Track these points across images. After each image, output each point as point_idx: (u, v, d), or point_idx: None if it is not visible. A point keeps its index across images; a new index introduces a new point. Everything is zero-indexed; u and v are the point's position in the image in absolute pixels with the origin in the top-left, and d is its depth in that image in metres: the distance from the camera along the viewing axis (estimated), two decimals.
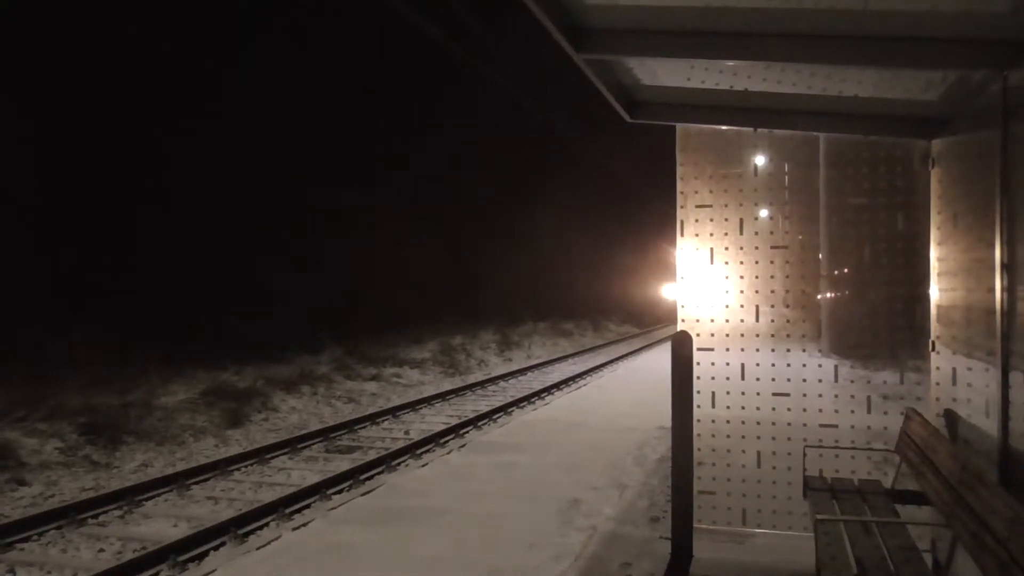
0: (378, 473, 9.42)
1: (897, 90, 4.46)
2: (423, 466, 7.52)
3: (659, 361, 18.49)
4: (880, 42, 3.85)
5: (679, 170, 5.21)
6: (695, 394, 4.73)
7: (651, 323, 45.18)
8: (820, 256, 5.09)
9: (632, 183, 48.84)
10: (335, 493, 8.49)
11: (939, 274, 4.34)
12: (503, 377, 19.22)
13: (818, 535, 3.28)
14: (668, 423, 4.72)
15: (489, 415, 13.24)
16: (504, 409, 13.87)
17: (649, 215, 45.71)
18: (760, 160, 5.38)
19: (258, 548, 5.06)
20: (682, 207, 5.17)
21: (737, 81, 4.67)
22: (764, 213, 5.37)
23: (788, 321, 5.02)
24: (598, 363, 21.98)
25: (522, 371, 20.60)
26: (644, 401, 11.48)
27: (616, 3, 3.86)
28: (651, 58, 4.39)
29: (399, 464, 9.94)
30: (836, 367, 4.79)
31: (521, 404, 14.64)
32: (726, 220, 5.18)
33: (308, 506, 8.12)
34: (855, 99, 4.59)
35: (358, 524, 5.55)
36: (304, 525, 5.53)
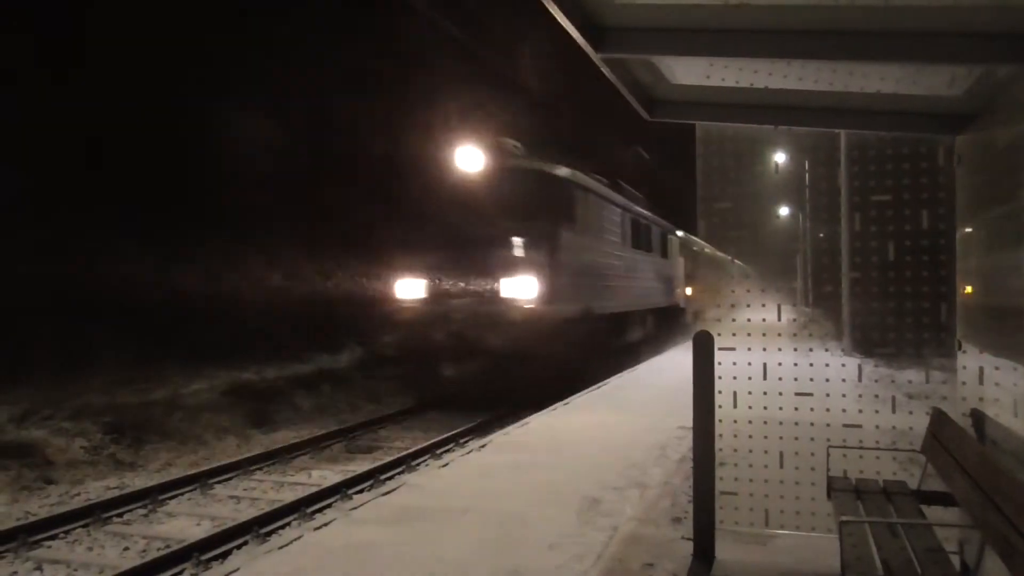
0: (399, 473, 9.45)
1: (921, 86, 4.40)
2: (443, 466, 7.53)
3: (679, 362, 18.40)
4: (903, 37, 3.80)
5: (699, 168, 5.17)
6: (716, 394, 4.70)
7: None
8: (842, 254, 5.04)
9: None
10: (356, 493, 8.54)
11: (965, 272, 4.28)
12: None
13: (843, 536, 3.25)
14: (689, 423, 4.69)
15: (509, 414, 13.22)
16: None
17: None
18: (780, 158, 5.34)
19: (280, 547, 5.09)
20: (703, 206, 5.14)
21: (757, 79, 4.63)
22: (785, 211, 5.33)
23: (810, 320, 4.97)
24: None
25: None
26: (665, 401, 11.43)
27: (634, 1, 3.84)
28: (670, 56, 4.38)
29: (419, 464, 9.97)
30: (860, 366, 4.74)
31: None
32: (746, 218, 5.14)
33: (329, 505, 8.17)
34: (877, 95, 4.54)
35: (379, 524, 5.57)
36: (326, 525, 5.56)
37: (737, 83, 4.70)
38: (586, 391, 12.84)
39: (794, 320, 4.92)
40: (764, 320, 4.94)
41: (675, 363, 16.91)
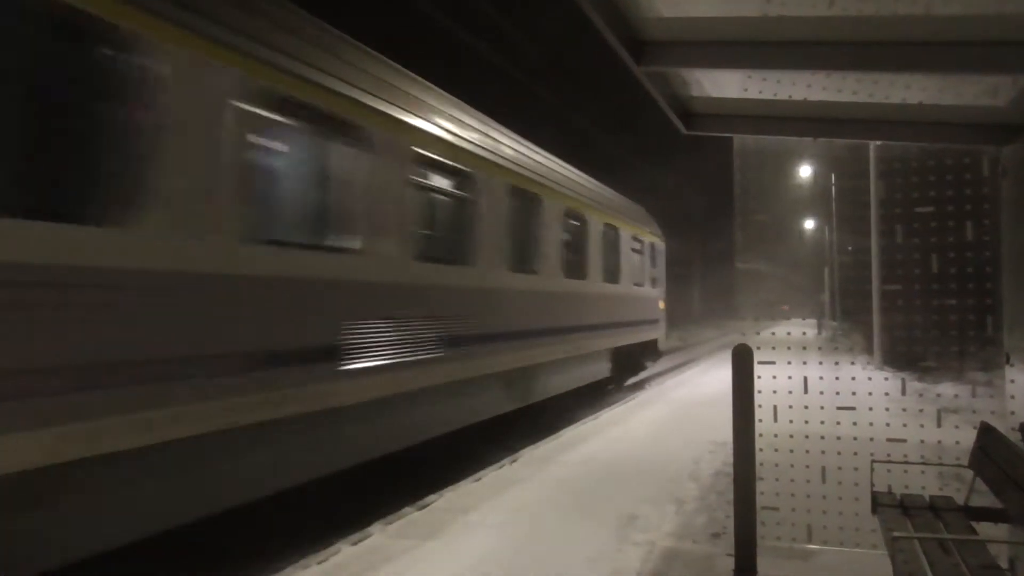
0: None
1: (964, 96, 4.37)
2: (476, 481, 7.52)
3: (706, 375, 18.25)
4: (944, 47, 3.79)
5: (736, 180, 5.16)
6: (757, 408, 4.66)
7: None
8: (872, 268, 4.98)
9: None
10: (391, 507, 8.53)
11: (1014, 285, 4.22)
12: None
13: (894, 553, 3.20)
14: (720, 438, 4.66)
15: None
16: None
17: None
18: (805, 172, 5.31)
19: (319, 563, 5.11)
20: (740, 219, 5.12)
21: (796, 91, 4.62)
22: (810, 224, 5.29)
23: (839, 334, 4.94)
24: (642, 376, 21.76)
25: None
26: (695, 416, 11.35)
27: (675, 15, 3.86)
28: (709, 69, 4.38)
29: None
30: (904, 381, 4.68)
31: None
32: (778, 232, 5.13)
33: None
34: (919, 106, 4.51)
35: (416, 538, 5.57)
36: (363, 540, 5.57)
37: (775, 95, 4.69)
38: (617, 406, 12.79)
39: (822, 334, 4.89)
40: (789, 334, 4.91)
41: (698, 375, 16.79)
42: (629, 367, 15.77)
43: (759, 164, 5.10)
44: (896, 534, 3.19)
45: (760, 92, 4.71)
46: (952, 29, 3.70)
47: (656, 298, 17.22)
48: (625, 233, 14.55)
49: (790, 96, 4.66)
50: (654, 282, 17.08)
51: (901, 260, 4.70)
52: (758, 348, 4.76)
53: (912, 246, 4.66)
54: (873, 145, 5.02)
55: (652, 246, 17.01)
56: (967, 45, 3.75)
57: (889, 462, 4.43)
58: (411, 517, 6.21)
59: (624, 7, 3.58)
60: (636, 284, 15.32)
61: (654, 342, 17.21)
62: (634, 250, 15.25)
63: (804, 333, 4.81)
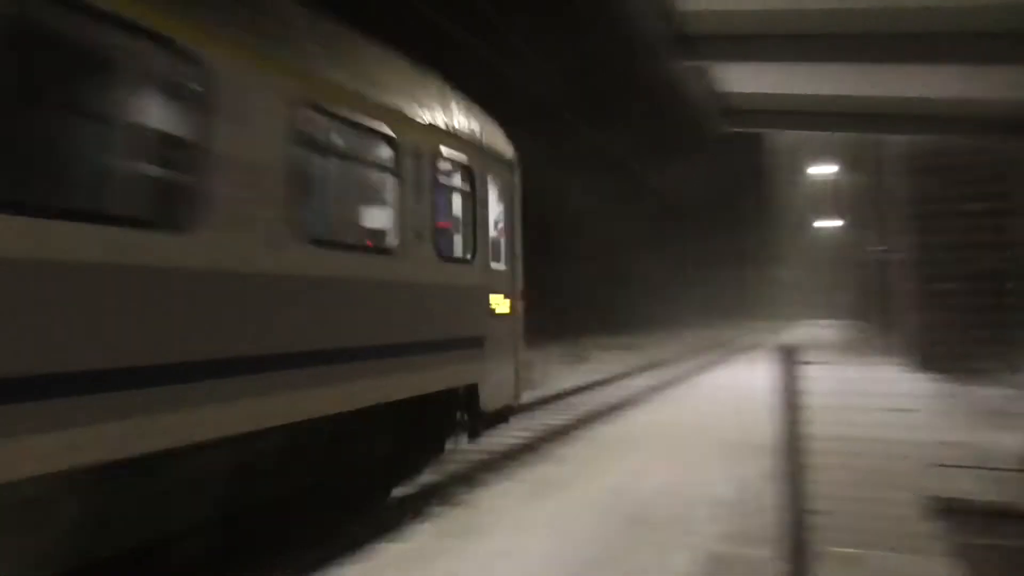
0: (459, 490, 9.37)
1: (1010, 88, 4.26)
2: (507, 482, 7.46)
3: (737, 376, 18.05)
4: (984, 38, 3.70)
5: (775, 178, 5.07)
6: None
7: None
8: (907, 268, 4.87)
9: None
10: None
11: None
12: (572, 393, 19.03)
13: (963, 561, 3.09)
14: (757, 440, 4.55)
15: (565, 431, 13.10)
16: (580, 424, 13.72)
17: None
18: (833, 169, 5.21)
19: (356, 563, 5.08)
20: (782, 220, 5.03)
21: (835, 86, 4.54)
22: (837, 223, 5.19)
23: (870, 335, 4.85)
24: (668, 378, 21.63)
25: (589, 386, 20.36)
26: (725, 417, 11.21)
27: (714, 8, 3.80)
28: (747, 63, 4.31)
29: (478, 479, 9.81)
30: (945, 384, 4.56)
31: (596, 421, 14.47)
32: (810, 231, 5.03)
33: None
34: (961, 100, 4.41)
35: (452, 538, 5.51)
36: (400, 540, 5.54)
37: (815, 91, 4.61)
38: (643, 406, 12.63)
39: (854, 335, 4.79)
40: (831, 335, 4.80)
41: (727, 376, 16.53)
42: (354, 473, 6.71)
43: (785, 165, 5.00)
44: (968, 541, 3.09)
45: (798, 87, 4.63)
46: (991, 19, 3.61)
47: (484, 288, 8.11)
48: (350, 124, 5.68)
49: (829, 91, 4.58)
50: (479, 252, 7.92)
51: (955, 258, 4.60)
52: (810, 349, 4.66)
53: (963, 244, 4.56)
54: (908, 142, 4.91)
55: (480, 176, 7.87)
56: (1007, 36, 3.65)
57: (944, 466, 4.32)
58: (448, 516, 6.16)
59: (667, 1, 3.52)
60: (394, 251, 6.26)
61: (469, 392, 7.95)
62: (407, 175, 6.28)
63: (832, 334, 4.70)
